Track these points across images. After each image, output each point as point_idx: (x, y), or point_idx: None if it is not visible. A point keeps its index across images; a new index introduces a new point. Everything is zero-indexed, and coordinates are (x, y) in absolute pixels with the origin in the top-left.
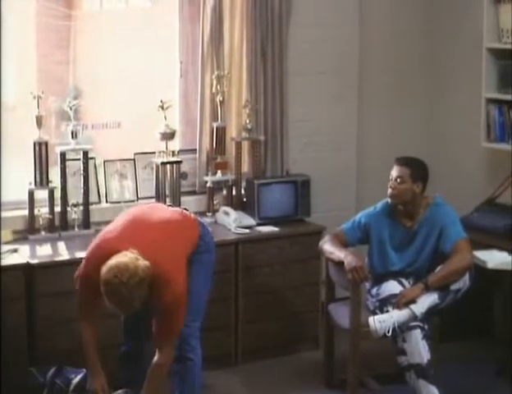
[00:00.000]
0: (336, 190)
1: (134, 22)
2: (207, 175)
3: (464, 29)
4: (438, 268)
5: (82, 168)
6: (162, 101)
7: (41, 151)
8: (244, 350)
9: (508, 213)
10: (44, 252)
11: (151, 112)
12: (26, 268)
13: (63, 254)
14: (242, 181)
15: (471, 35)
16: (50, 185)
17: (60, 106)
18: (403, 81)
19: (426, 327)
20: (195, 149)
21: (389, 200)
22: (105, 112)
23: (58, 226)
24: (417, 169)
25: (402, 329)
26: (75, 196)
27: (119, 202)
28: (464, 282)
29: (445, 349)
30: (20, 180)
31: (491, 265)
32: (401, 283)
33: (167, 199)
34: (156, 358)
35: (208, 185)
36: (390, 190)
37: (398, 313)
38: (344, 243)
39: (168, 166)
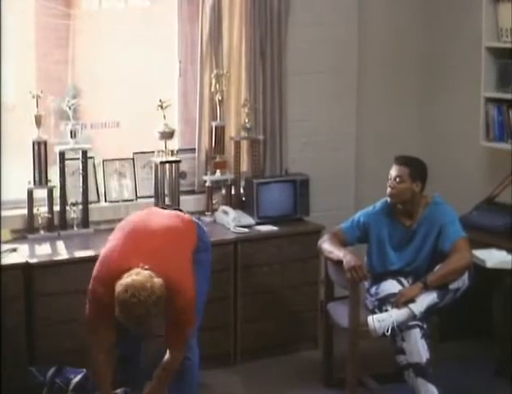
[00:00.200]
0: (335, 189)
1: (133, 21)
2: (206, 174)
3: (463, 28)
4: (437, 267)
5: (81, 167)
6: (161, 100)
7: (40, 150)
8: (242, 349)
9: (507, 212)
10: (43, 251)
11: (150, 111)
12: (25, 267)
13: (62, 253)
14: (241, 181)
15: (470, 34)
16: (49, 184)
17: (59, 105)
18: (402, 81)
19: (425, 326)
20: (194, 149)
21: (388, 199)
22: (104, 111)
23: (57, 225)
24: (416, 168)
25: (401, 328)
26: (74, 195)
27: (118, 201)
28: (463, 281)
29: (444, 348)
30: (19, 179)
31: (490, 264)
32: (400, 282)
33: (166, 199)
34: (166, 359)
35: (207, 184)
36: (389, 190)
37: (397, 312)
38: (343, 242)
39: (167, 165)
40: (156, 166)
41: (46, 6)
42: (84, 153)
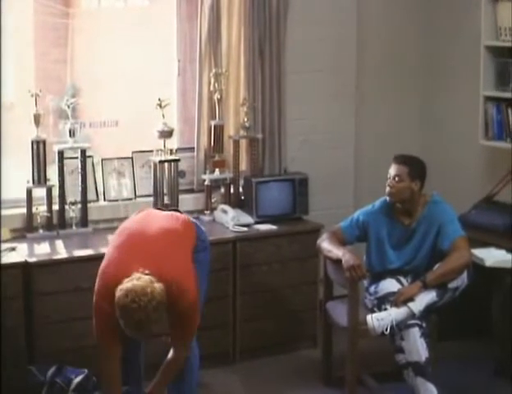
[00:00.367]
0: (334, 188)
1: (132, 20)
2: (205, 173)
3: (462, 27)
4: (436, 266)
5: (80, 166)
6: (159, 99)
7: (39, 149)
8: (242, 348)
9: (506, 210)
10: (42, 250)
11: (149, 110)
12: (24, 266)
13: (61, 252)
14: (240, 179)
15: (469, 33)
16: (48, 183)
17: (58, 104)
18: (400, 79)
19: (424, 325)
20: (193, 148)
21: (387, 198)
22: (103, 110)
23: (56, 224)
24: (415, 167)
25: (400, 327)
26: (73, 194)
27: (117, 200)
28: (462, 280)
29: (444, 347)
30: (18, 178)
31: (489, 263)
32: (399, 281)
33: (165, 198)
34: (171, 356)
35: (206, 183)
36: (388, 189)
37: (396, 311)
38: (342, 241)
39: (166, 164)
40: (155, 165)
41: (45, 5)
42: (83, 152)
